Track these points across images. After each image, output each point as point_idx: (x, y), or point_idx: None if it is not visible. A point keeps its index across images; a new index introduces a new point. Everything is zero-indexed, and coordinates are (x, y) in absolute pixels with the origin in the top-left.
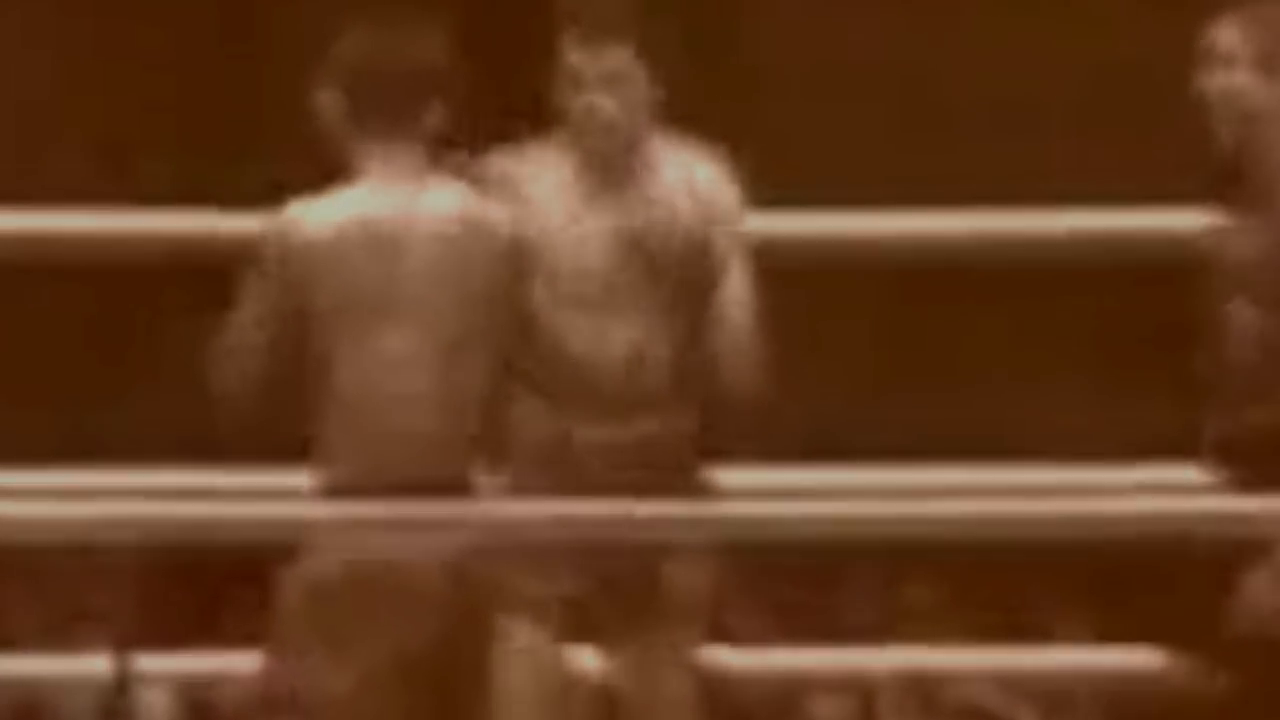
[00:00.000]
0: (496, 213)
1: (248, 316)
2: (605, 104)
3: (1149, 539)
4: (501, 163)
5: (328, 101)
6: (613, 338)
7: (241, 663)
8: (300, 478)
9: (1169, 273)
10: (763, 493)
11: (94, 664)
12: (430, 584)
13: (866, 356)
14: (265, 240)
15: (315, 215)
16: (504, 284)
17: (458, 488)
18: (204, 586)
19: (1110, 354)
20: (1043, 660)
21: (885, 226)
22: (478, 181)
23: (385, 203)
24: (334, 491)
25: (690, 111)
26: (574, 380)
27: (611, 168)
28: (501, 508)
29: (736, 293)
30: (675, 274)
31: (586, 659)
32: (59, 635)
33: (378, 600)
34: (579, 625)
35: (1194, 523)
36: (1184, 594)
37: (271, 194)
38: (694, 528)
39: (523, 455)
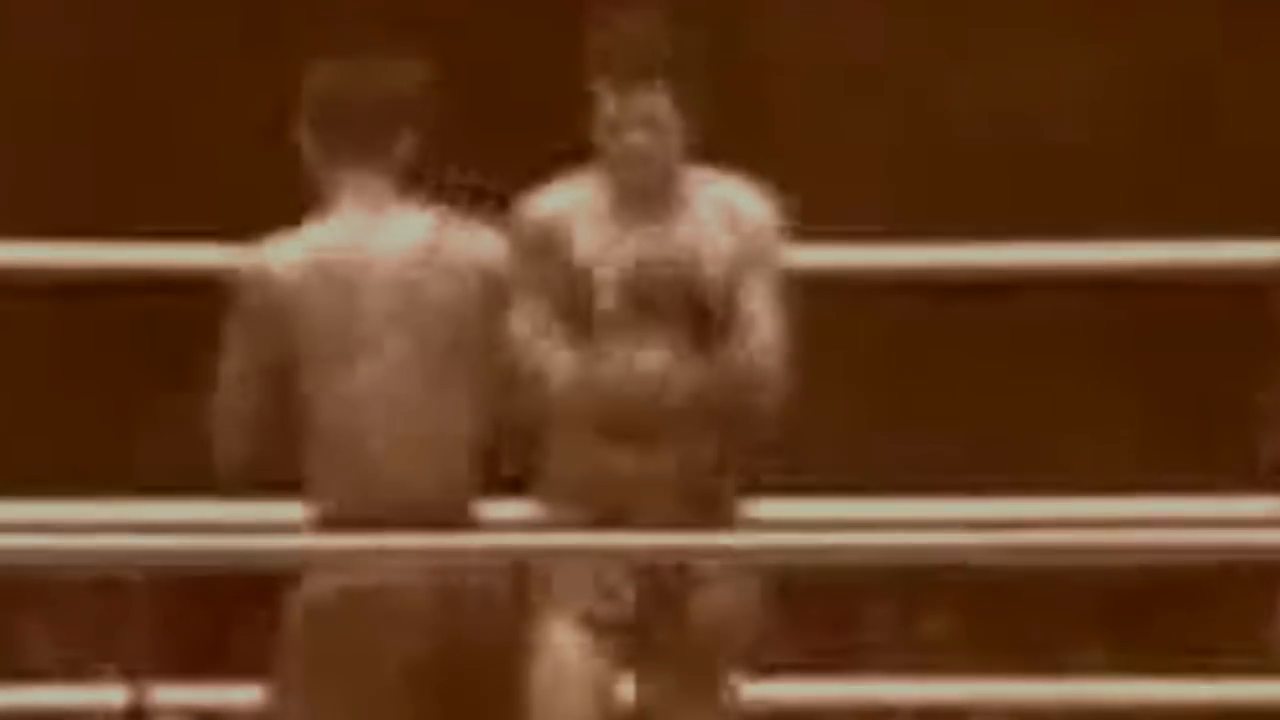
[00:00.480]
0: (468, 242)
1: (231, 366)
2: (641, 143)
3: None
4: (541, 203)
5: (300, 134)
6: (644, 368)
7: (254, 693)
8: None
9: (1218, 296)
10: (787, 524)
11: (109, 694)
12: (427, 606)
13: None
14: (237, 285)
15: (280, 256)
16: (476, 313)
17: (445, 522)
18: (216, 616)
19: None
20: (1059, 692)
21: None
22: (516, 221)
23: (346, 239)
24: (324, 526)
25: (713, 140)
26: (605, 410)
27: (647, 201)
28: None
29: (764, 309)
30: (707, 305)
31: (622, 686)
32: (75, 666)
33: (375, 623)
34: (618, 652)
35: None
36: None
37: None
38: (707, 556)
39: (555, 485)
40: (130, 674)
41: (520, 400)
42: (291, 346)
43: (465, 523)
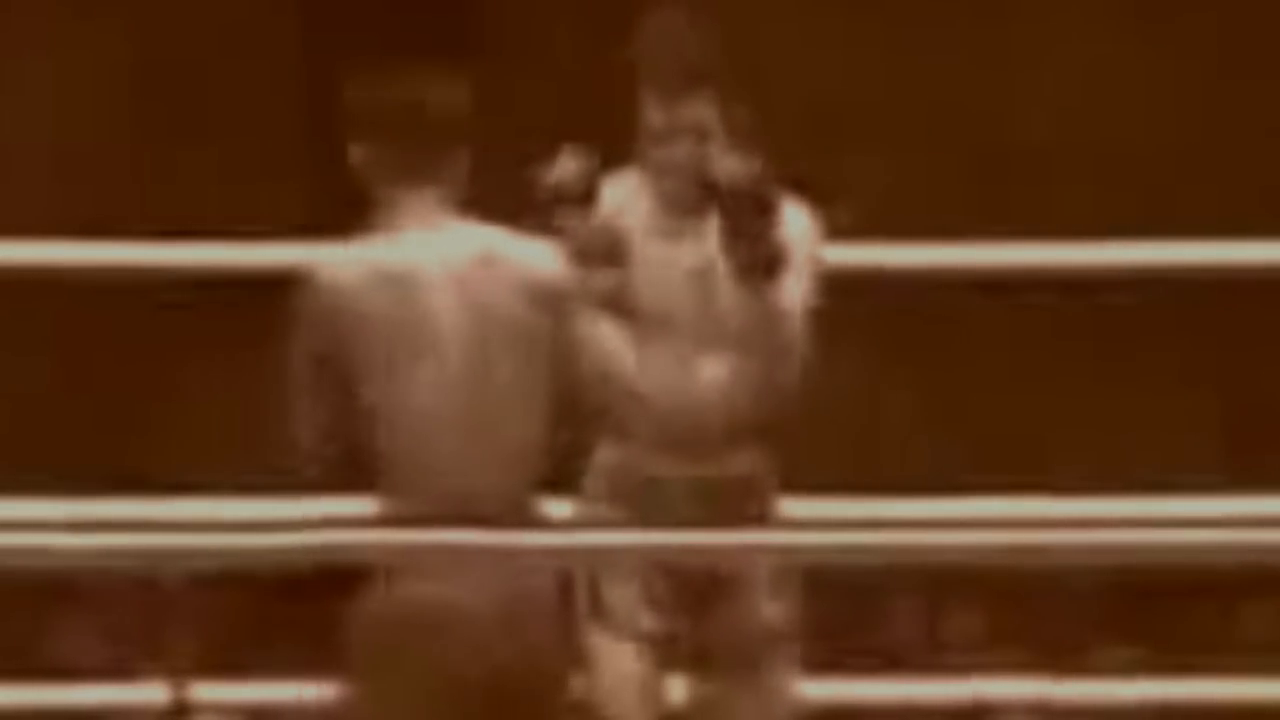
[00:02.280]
0: (523, 251)
1: (297, 372)
2: (688, 153)
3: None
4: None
5: (354, 150)
6: (696, 376)
7: (296, 691)
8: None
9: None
10: (822, 523)
11: (151, 693)
12: (488, 615)
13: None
14: (298, 297)
15: (339, 266)
16: (536, 322)
17: (507, 524)
18: (260, 615)
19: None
20: (1086, 691)
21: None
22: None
23: (406, 248)
24: (389, 528)
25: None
26: (657, 419)
27: (692, 210)
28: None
29: (791, 296)
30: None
31: (673, 690)
32: (118, 665)
33: (438, 634)
34: (668, 657)
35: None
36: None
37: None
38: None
39: (607, 493)
40: (172, 672)
41: (588, 403)
42: (354, 352)
43: (528, 525)
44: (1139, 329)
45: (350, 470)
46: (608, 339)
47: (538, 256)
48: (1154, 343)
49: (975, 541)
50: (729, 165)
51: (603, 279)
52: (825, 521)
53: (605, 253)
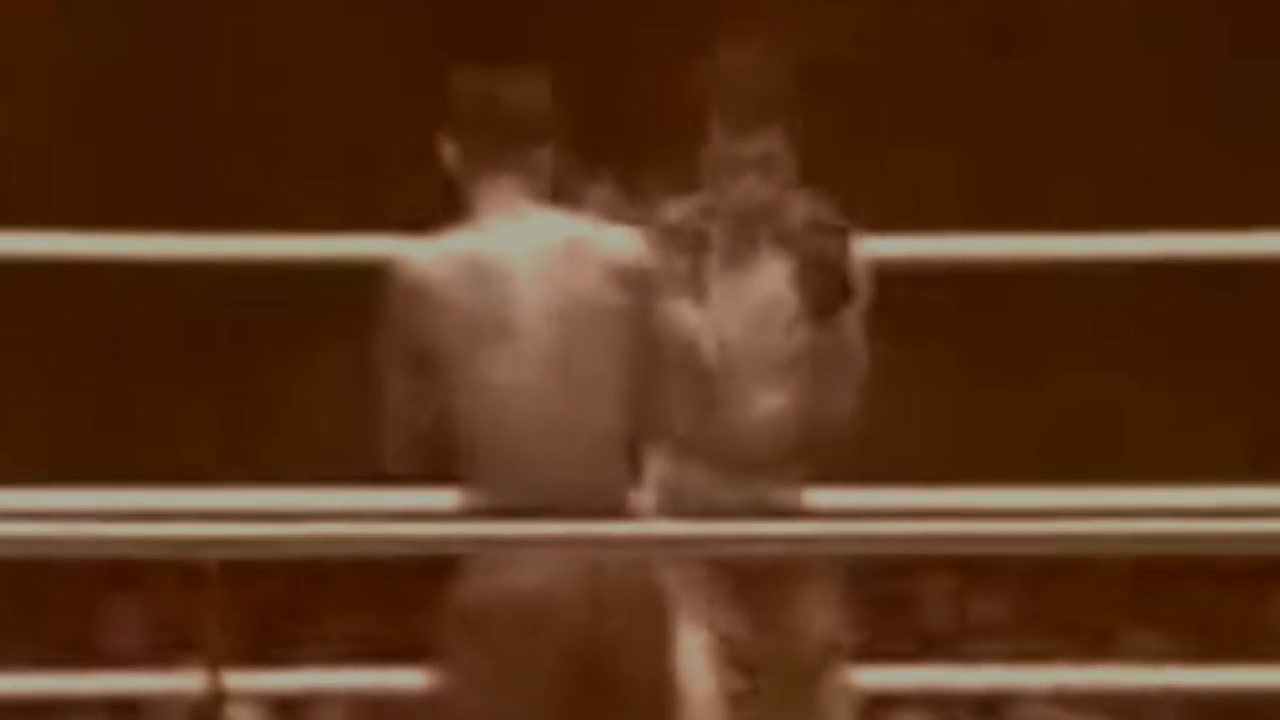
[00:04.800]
0: (608, 239)
1: (389, 371)
2: (757, 187)
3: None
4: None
5: (444, 144)
6: (756, 404)
7: (331, 681)
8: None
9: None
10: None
11: (187, 681)
12: (582, 605)
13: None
14: (386, 291)
15: (425, 258)
16: (624, 308)
17: (596, 513)
18: (294, 605)
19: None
20: (1115, 676)
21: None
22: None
23: (491, 238)
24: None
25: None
26: (719, 444)
27: (753, 240)
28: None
29: (855, 325)
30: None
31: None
32: (157, 652)
33: (532, 624)
34: (730, 659)
35: None
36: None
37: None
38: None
39: (657, 509)
40: (208, 660)
41: (670, 390)
42: (441, 343)
43: (617, 514)
44: (1159, 318)
45: (438, 462)
46: (690, 321)
47: (622, 242)
48: (1170, 333)
49: (1002, 531)
50: (803, 208)
51: (685, 264)
52: (854, 511)
53: (692, 241)
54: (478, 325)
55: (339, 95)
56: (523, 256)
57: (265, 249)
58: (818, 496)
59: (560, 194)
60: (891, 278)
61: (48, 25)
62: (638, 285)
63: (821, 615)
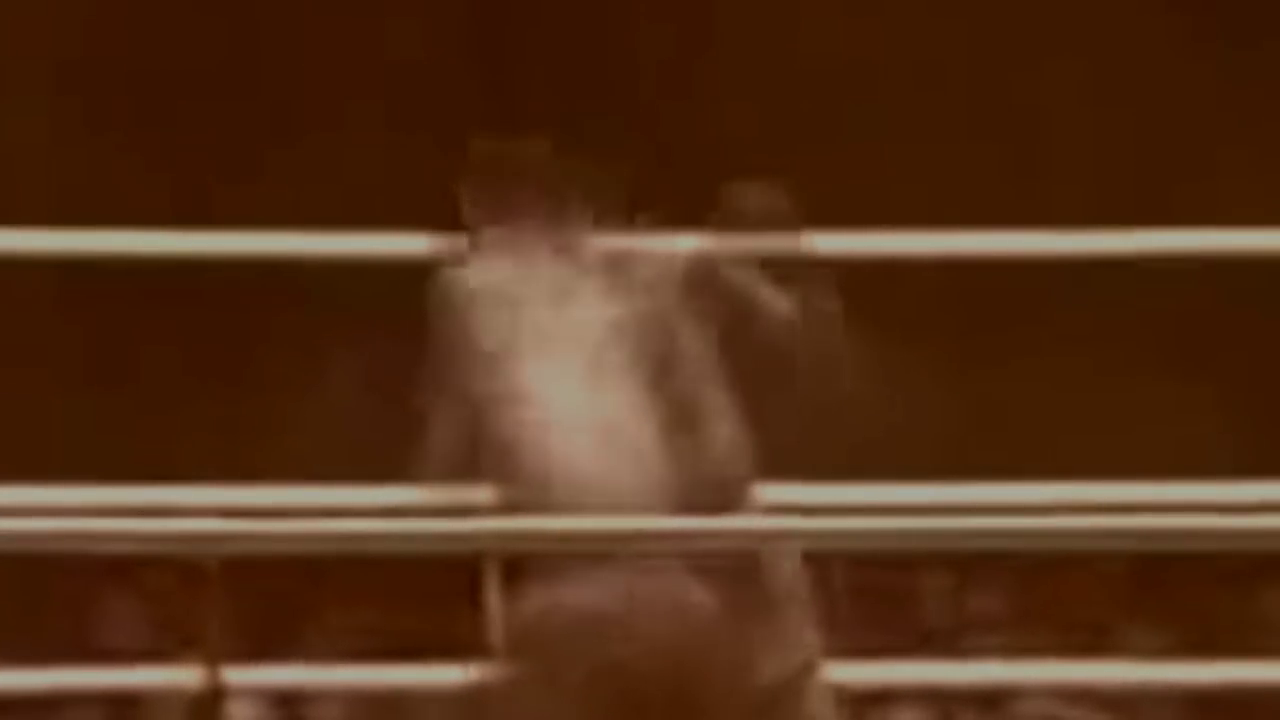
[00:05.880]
0: (655, 257)
1: (433, 378)
2: (779, 304)
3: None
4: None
5: (463, 196)
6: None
7: (330, 677)
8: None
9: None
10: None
11: (185, 676)
12: (644, 621)
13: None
14: (429, 296)
15: (470, 267)
16: (663, 325)
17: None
18: (291, 600)
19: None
20: (1115, 672)
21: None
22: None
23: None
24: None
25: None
26: None
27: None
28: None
29: None
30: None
31: None
32: (154, 648)
33: (591, 639)
34: None
35: None
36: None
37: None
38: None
39: None
40: (207, 656)
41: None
42: (484, 353)
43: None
44: (1147, 316)
45: (480, 471)
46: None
47: (666, 262)
48: (1164, 330)
49: (999, 526)
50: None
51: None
52: (848, 507)
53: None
54: (523, 338)
55: (339, 95)
56: (558, 275)
57: (271, 248)
58: (815, 493)
59: (597, 215)
60: (901, 271)
61: (48, 25)
62: (681, 301)
63: (799, 636)
